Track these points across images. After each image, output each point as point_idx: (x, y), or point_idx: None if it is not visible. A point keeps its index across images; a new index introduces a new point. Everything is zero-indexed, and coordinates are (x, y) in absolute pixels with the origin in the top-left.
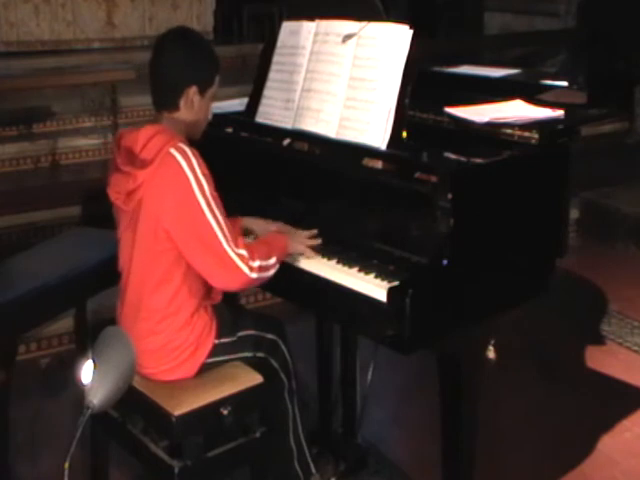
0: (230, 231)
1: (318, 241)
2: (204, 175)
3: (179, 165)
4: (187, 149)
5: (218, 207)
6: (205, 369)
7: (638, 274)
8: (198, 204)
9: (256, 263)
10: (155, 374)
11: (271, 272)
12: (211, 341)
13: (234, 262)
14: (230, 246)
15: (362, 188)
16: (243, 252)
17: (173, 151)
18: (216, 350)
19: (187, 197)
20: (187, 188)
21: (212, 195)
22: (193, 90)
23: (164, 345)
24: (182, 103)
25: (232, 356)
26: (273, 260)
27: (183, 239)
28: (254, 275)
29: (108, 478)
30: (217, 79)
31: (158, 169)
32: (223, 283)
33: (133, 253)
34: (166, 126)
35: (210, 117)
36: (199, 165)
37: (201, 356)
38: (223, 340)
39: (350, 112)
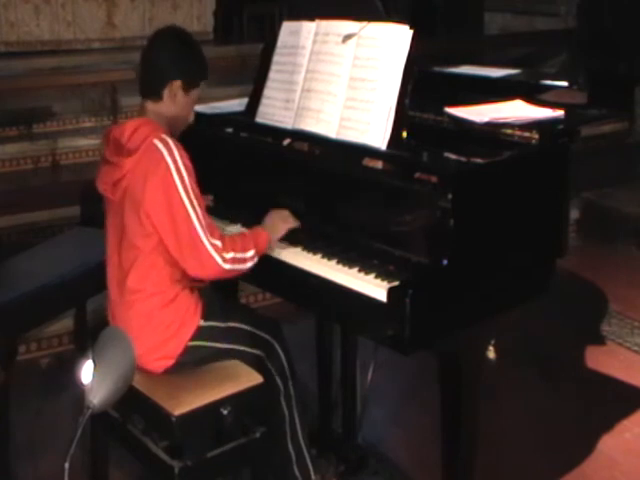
0: (207, 221)
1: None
2: (185, 166)
3: (161, 153)
4: (170, 140)
5: (197, 197)
6: (193, 355)
7: (638, 274)
8: (177, 191)
9: (229, 255)
10: (142, 356)
11: (248, 264)
12: (196, 321)
13: (207, 251)
14: (205, 235)
15: (362, 188)
16: (217, 242)
17: (156, 141)
18: (203, 332)
19: (167, 184)
20: (167, 175)
21: (192, 185)
22: (177, 84)
23: (148, 322)
24: (166, 94)
25: (222, 345)
26: (250, 253)
27: (162, 224)
28: (227, 266)
29: (108, 478)
30: (203, 84)
31: (141, 157)
32: (195, 270)
33: (122, 238)
34: (150, 118)
35: (191, 119)
36: (181, 156)
37: (186, 335)
38: (210, 323)
39: (350, 112)
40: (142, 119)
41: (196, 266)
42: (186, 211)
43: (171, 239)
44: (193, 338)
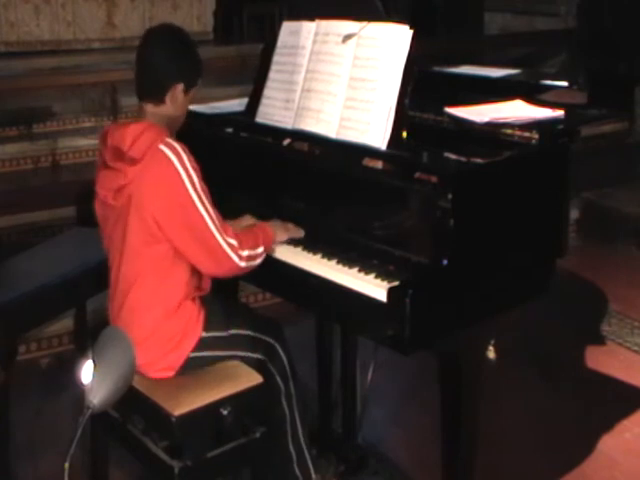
0: (220, 221)
1: (301, 232)
2: (194, 169)
3: (170, 161)
4: (176, 144)
5: (208, 198)
6: (194, 365)
7: (638, 274)
8: (190, 197)
9: (245, 252)
10: (142, 365)
11: (258, 261)
12: (198, 333)
13: (225, 251)
14: (221, 236)
15: (362, 188)
16: (233, 241)
17: (163, 147)
18: (204, 343)
19: (179, 191)
20: (178, 183)
21: (202, 187)
22: (180, 87)
23: (151, 334)
24: (168, 98)
25: (224, 352)
26: (260, 249)
27: (175, 231)
28: (243, 264)
29: (108, 478)
30: (199, 81)
31: (148, 165)
32: (213, 271)
33: (124, 246)
34: (152, 122)
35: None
36: (189, 159)
37: (187, 347)
38: (212, 334)
39: (350, 112)
40: (144, 123)
41: (214, 267)
42: (200, 214)
43: (187, 243)
44: (195, 350)
